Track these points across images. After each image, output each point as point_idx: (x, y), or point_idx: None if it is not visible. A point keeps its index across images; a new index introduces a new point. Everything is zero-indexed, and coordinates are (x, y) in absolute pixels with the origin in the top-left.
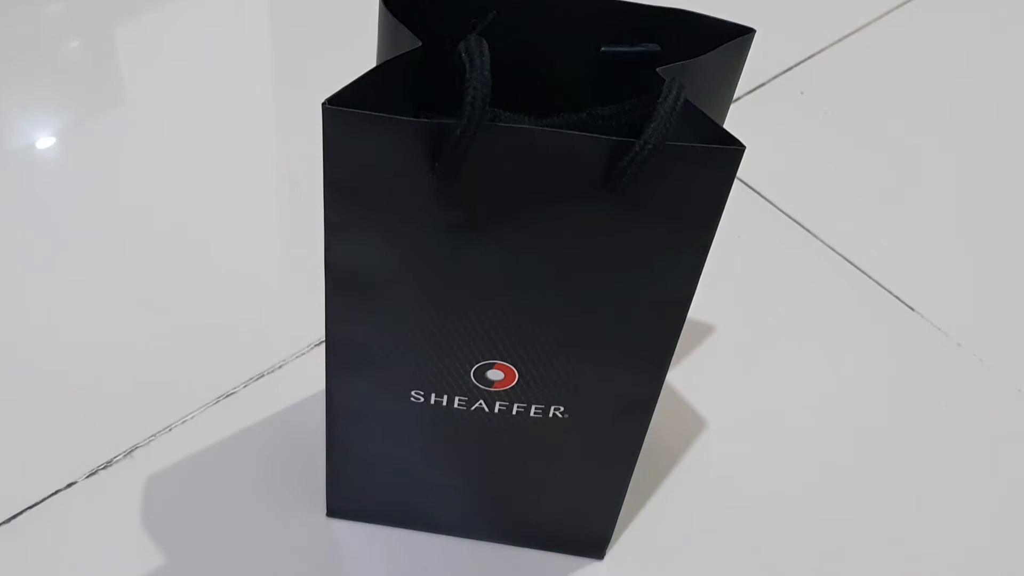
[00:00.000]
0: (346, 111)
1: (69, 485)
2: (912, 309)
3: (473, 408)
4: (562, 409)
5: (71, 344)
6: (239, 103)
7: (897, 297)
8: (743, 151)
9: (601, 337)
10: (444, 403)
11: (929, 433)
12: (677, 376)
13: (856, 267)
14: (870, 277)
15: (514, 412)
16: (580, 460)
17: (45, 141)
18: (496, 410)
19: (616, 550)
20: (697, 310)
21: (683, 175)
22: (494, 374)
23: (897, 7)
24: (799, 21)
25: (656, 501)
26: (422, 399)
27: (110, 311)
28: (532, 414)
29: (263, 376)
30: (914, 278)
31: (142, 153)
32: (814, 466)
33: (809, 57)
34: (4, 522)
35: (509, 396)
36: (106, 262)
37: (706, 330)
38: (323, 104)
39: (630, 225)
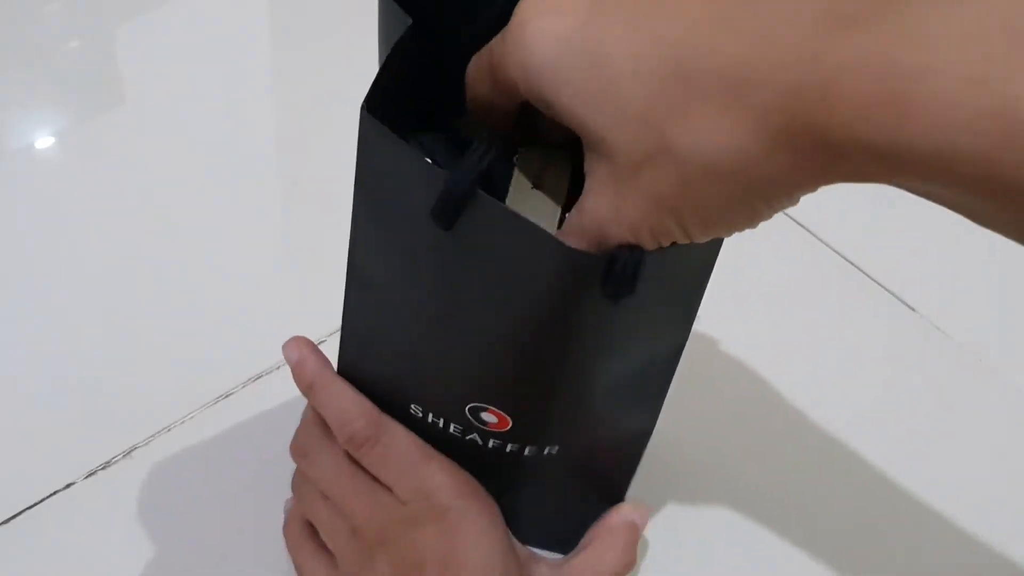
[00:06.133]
0: (376, 123)
1: (68, 486)
2: (913, 309)
3: (467, 438)
4: (557, 449)
5: (70, 344)
6: (239, 103)
7: (897, 297)
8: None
9: (597, 392)
10: (440, 425)
11: (929, 433)
12: (676, 376)
13: (856, 267)
14: (870, 277)
15: (507, 450)
16: (576, 486)
17: (45, 141)
18: (490, 445)
19: None
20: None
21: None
22: (488, 416)
23: None
24: None
25: (656, 502)
26: (420, 415)
27: (109, 311)
28: (526, 454)
29: (263, 376)
30: (914, 278)
31: (142, 153)
32: (813, 465)
33: None
34: (2, 523)
35: (503, 437)
36: (105, 262)
37: (705, 330)
38: (362, 108)
39: (626, 314)
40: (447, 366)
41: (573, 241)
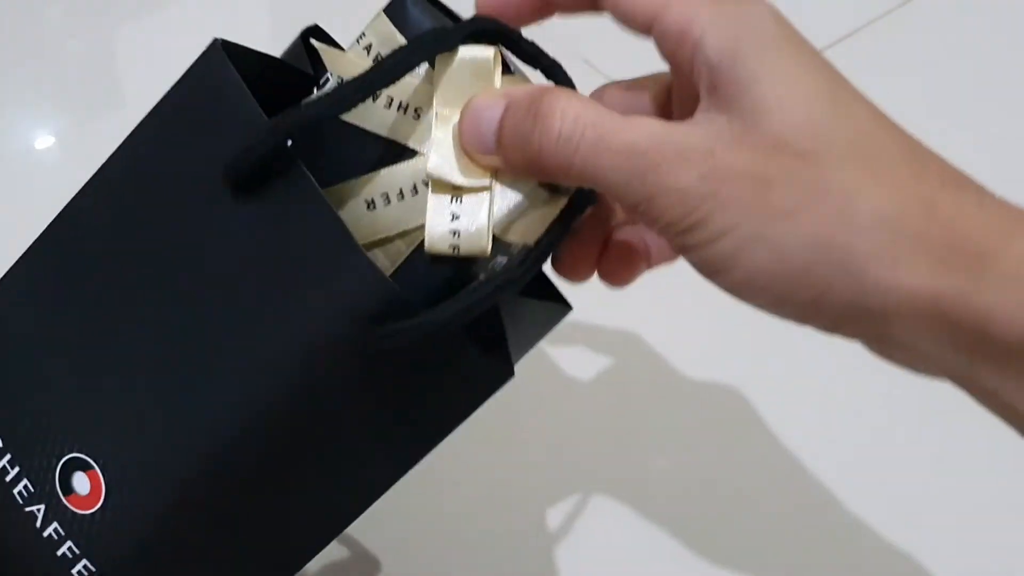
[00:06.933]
0: (224, 59)
1: None
2: None
3: (27, 509)
4: None
5: None
6: None
7: None
8: (509, 378)
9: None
10: (9, 478)
11: (930, 436)
12: (675, 373)
13: None
14: None
15: (60, 552)
16: None
17: (45, 141)
18: (45, 534)
19: None
20: (694, 312)
21: (445, 363)
22: (81, 482)
23: (897, 8)
24: (796, 22)
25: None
26: None
27: None
28: (76, 570)
29: None
30: None
31: None
32: (813, 468)
33: None
34: None
35: (70, 525)
36: None
37: (702, 330)
38: (216, 40)
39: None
40: (102, 381)
41: (620, 130)
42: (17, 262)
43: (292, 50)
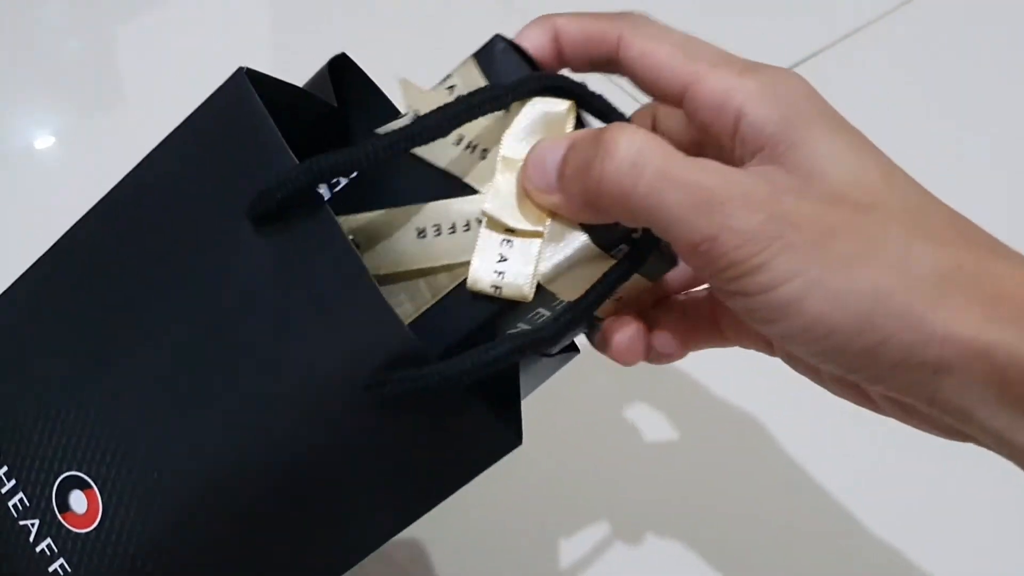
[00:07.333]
0: (249, 88)
1: None
2: None
3: (21, 523)
4: None
5: None
6: None
7: None
8: (515, 445)
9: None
10: (4, 490)
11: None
12: (676, 375)
13: None
14: None
15: (51, 569)
16: None
17: (45, 141)
18: (38, 549)
19: None
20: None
21: (450, 422)
22: (78, 501)
23: (897, 8)
24: (797, 22)
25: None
26: None
27: None
28: None
29: None
30: None
31: (142, 153)
32: (815, 471)
33: (807, 58)
34: None
35: (66, 543)
36: None
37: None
38: (241, 68)
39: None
40: (106, 401)
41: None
42: (24, 274)
43: (316, 80)
